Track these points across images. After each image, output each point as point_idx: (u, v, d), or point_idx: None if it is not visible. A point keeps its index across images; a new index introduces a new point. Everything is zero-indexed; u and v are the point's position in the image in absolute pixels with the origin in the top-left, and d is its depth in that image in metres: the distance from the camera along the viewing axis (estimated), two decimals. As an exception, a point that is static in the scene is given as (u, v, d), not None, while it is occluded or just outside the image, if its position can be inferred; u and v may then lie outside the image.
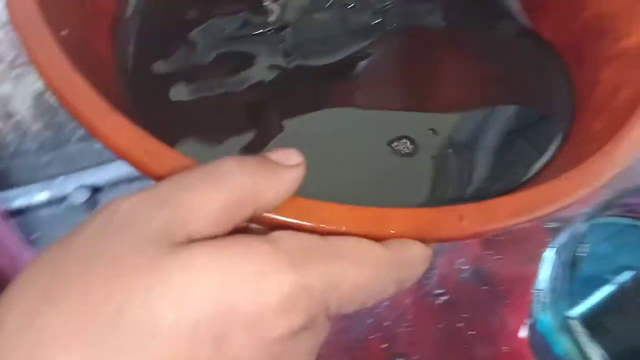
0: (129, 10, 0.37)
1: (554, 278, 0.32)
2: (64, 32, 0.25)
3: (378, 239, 0.19)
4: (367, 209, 0.20)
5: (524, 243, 0.45)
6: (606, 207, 0.34)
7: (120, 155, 0.20)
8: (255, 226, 0.20)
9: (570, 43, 0.39)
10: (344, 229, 0.19)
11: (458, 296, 0.44)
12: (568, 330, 0.29)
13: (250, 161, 0.18)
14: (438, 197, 0.30)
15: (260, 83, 0.35)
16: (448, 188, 0.31)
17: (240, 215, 0.18)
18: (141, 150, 0.20)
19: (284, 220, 0.19)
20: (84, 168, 0.52)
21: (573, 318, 0.35)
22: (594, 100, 0.35)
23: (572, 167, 0.24)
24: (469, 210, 0.21)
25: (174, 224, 0.16)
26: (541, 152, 0.33)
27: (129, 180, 0.52)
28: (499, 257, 0.46)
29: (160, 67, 0.35)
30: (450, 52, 0.40)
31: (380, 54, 0.37)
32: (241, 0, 0.37)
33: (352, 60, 0.37)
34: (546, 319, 0.31)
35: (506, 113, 0.35)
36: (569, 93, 0.37)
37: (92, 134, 0.21)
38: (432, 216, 0.21)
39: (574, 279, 0.33)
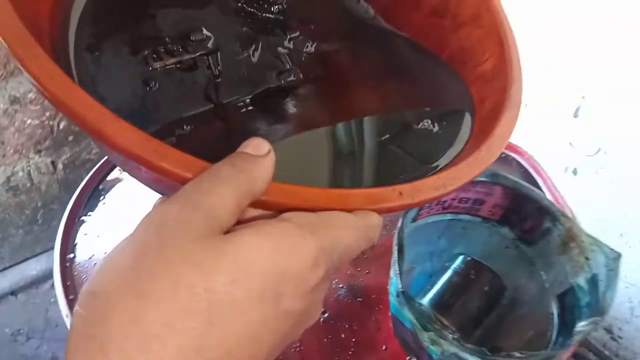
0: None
1: (396, 273, 0.39)
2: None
3: (346, 210, 0.26)
4: (336, 190, 0.26)
5: (385, 257, 0.53)
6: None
7: (129, 155, 0.22)
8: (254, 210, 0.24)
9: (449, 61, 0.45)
10: (321, 204, 0.25)
11: (338, 312, 0.50)
12: (409, 306, 0.36)
13: (238, 161, 0.23)
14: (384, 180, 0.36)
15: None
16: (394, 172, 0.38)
17: (245, 204, 0.23)
18: (150, 150, 0.23)
19: (280, 202, 0.25)
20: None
21: (421, 304, 0.42)
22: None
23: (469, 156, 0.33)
24: (405, 188, 0.28)
25: (211, 221, 0.20)
26: (455, 144, 0.39)
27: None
28: (367, 271, 0.53)
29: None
30: (359, 78, 0.45)
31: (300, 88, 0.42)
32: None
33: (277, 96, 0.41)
34: (394, 302, 0.38)
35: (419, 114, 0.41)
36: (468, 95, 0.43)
37: (98, 138, 0.23)
38: (381, 193, 0.28)
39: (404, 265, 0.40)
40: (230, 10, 0.43)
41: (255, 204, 0.24)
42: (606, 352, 1.16)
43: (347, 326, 0.49)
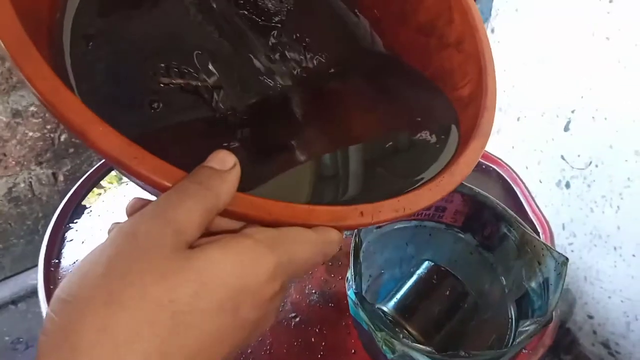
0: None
1: (352, 274, 0.41)
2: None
3: (307, 225, 0.27)
4: (299, 205, 0.28)
5: (358, 263, 0.54)
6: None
7: (110, 159, 0.24)
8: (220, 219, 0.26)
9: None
10: (284, 219, 0.27)
11: (309, 316, 0.52)
12: (362, 306, 0.37)
13: (204, 178, 0.24)
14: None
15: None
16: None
17: (211, 218, 0.24)
18: (130, 156, 0.24)
19: (246, 213, 0.26)
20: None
21: (383, 309, 0.43)
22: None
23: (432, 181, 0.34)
24: (366, 208, 0.30)
25: (179, 235, 0.22)
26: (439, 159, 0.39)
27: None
28: (340, 277, 0.54)
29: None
30: (353, 101, 0.45)
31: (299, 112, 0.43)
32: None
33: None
34: (351, 304, 0.40)
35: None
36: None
37: (83, 140, 0.24)
38: (343, 212, 0.29)
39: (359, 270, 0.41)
40: (232, 13, 0.44)
41: (222, 214, 0.25)
42: (602, 367, 1.15)
43: (317, 330, 0.51)
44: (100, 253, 0.22)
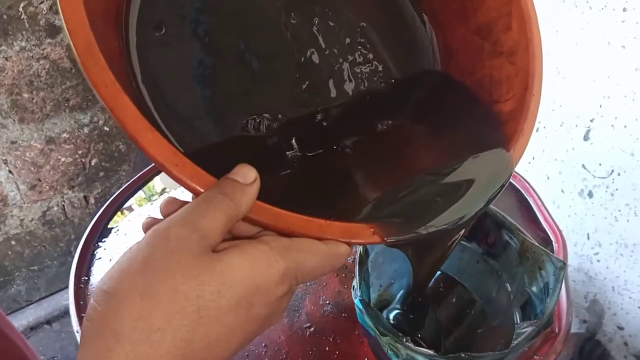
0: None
1: (357, 282, 0.42)
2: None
3: (320, 238, 0.30)
4: (315, 220, 0.30)
5: (370, 274, 0.56)
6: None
7: (156, 163, 0.27)
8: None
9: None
10: (299, 230, 0.30)
11: (323, 326, 0.53)
12: (367, 312, 0.39)
13: (229, 189, 0.28)
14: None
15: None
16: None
17: (232, 225, 0.28)
18: (173, 163, 0.27)
19: (265, 222, 0.29)
20: None
21: (391, 316, 0.45)
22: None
23: None
24: (377, 227, 0.32)
25: (204, 240, 0.26)
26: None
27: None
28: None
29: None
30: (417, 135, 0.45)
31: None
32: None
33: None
34: (358, 312, 0.41)
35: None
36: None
37: (135, 145, 0.27)
38: (355, 229, 0.32)
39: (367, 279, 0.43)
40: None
41: (243, 219, 0.29)
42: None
43: (331, 339, 0.52)
44: (137, 252, 0.25)
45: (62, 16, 0.27)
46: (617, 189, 1.05)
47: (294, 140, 0.41)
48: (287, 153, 0.41)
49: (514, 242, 0.43)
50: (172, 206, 0.30)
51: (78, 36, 0.26)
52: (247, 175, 0.29)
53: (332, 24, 0.44)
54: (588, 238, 1.14)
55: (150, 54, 0.36)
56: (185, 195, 0.29)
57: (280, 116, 0.41)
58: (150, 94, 0.36)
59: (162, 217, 0.30)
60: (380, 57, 0.47)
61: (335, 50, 0.44)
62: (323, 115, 0.43)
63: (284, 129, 0.41)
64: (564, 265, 0.37)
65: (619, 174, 1.04)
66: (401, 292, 0.49)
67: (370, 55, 0.46)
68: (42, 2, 1.02)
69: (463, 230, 0.36)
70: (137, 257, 0.25)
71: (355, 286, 0.41)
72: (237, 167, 0.30)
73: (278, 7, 0.42)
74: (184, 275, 0.25)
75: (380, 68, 0.47)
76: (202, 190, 0.28)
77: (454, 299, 0.45)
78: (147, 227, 0.30)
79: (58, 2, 0.27)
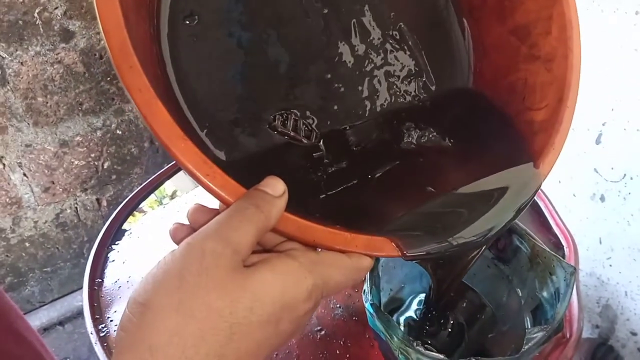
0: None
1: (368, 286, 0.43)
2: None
3: (344, 251, 0.31)
4: (341, 233, 0.31)
5: (380, 278, 0.56)
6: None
7: (188, 172, 0.27)
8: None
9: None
10: (325, 243, 0.30)
11: (334, 329, 0.54)
12: (378, 316, 0.39)
13: (260, 202, 0.28)
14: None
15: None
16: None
17: (261, 237, 0.28)
18: (204, 172, 0.27)
19: (292, 234, 0.30)
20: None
21: (402, 320, 0.45)
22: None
23: None
24: (399, 241, 0.32)
25: (237, 255, 0.26)
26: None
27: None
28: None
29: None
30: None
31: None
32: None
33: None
34: (369, 316, 0.42)
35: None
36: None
37: (167, 152, 0.27)
38: (379, 243, 0.32)
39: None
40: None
41: (272, 230, 0.30)
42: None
43: (342, 343, 0.52)
44: (172, 264, 0.26)
45: (97, 16, 0.26)
46: (629, 193, 1.04)
47: (321, 145, 0.41)
48: (315, 159, 0.41)
49: (525, 247, 0.43)
50: (199, 214, 0.30)
51: (113, 38, 0.26)
52: (276, 187, 0.30)
53: (368, 20, 0.43)
54: (600, 242, 1.13)
55: (181, 41, 0.36)
56: (207, 199, 0.30)
57: (308, 113, 0.41)
58: (178, 79, 0.36)
59: (187, 223, 0.31)
60: (419, 70, 0.46)
61: (371, 55, 0.43)
62: (351, 126, 0.42)
63: (312, 131, 0.41)
64: (574, 270, 0.37)
65: (631, 178, 1.03)
66: (411, 297, 0.50)
67: (407, 67, 0.45)
68: (56, 8, 1.04)
69: (484, 247, 0.36)
70: (172, 270, 0.26)
71: (366, 290, 0.41)
72: (267, 179, 0.30)
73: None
74: (218, 292, 0.25)
75: (418, 83, 0.46)
76: (232, 200, 0.28)
77: (465, 304, 0.45)
78: (174, 234, 0.31)
79: (94, 3, 0.26)
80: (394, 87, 0.45)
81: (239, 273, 0.26)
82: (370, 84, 0.44)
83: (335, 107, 0.42)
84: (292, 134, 0.40)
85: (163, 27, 0.36)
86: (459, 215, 0.36)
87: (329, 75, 0.42)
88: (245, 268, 0.27)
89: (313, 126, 0.41)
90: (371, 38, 0.44)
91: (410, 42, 0.46)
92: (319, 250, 0.31)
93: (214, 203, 0.31)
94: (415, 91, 0.46)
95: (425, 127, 0.45)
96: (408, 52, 0.46)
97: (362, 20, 0.43)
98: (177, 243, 0.30)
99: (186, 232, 0.30)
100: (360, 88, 0.43)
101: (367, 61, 0.44)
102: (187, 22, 0.37)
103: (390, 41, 0.45)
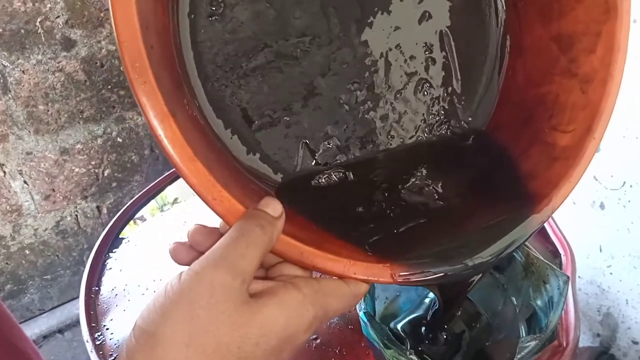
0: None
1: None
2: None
3: (343, 277, 0.32)
4: (340, 260, 0.31)
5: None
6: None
7: (195, 192, 0.28)
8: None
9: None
10: (324, 268, 0.31)
11: (329, 338, 0.53)
12: (371, 325, 0.39)
13: (263, 222, 0.29)
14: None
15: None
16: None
17: (264, 258, 0.29)
18: (211, 196, 0.28)
19: (290, 257, 0.30)
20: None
21: (397, 329, 0.45)
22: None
23: None
24: (397, 269, 0.33)
25: (245, 284, 0.27)
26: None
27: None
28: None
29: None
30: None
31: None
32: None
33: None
34: (363, 324, 0.42)
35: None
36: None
37: (176, 171, 0.27)
38: (376, 269, 0.32)
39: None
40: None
41: (274, 252, 0.31)
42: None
43: (337, 351, 0.52)
44: (180, 295, 0.26)
45: (113, 25, 0.25)
46: (629, 201, 1.04)
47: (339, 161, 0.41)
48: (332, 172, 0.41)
49: (519, 255, 0.43)
50: (200, 236, 0.31)
51: (128, 49, 0.25)
52: (276, 208, 0.30)
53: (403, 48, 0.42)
54: (600, 250, 1.12)
55: (202, 29, 0.35)
56: (203, 212, 0.30)
57: (330, 133, 0.41)
58: (197, 62, 0.36)
59: (186, 240, 0.31)
60: (454, 101, 0.44)
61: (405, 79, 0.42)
62: (376, 151, 0.42)
63: (331, 148, 0.41)
64: (567, 279, 0.37)
65: (631, 186, 1.03)
66: (407, 305, 0.49)
67: (443, 96, 0.43)
68: (58, 17, 1.05)
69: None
70: (182, 302, 0.26)
71: (361, 310, 0.41)
72: (265, 199, 0.31)
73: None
74: (227, 327, 0.26)
75: (453, 114, 0.43)
76: (235, 222, 0.29)
77: (460, 313, 0.45)
78: (175, 254, 0.31)
79: (110, 10, 0.25)
80: (431, 125, 0.44)
81: (247, 307, 0.27)
82: (405, 119, 0.43)
83: (361, 134, 0.42)
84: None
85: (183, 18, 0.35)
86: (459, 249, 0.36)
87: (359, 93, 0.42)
88: (252, 300, 0.28)
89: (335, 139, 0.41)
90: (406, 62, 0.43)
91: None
92: (320, 275, 0.32)
93: (213, 218, 0.31)
94: (452, 126, 0.44)
95: (450, 167, 0.43)
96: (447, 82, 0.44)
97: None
98: (178, 262, 0.31)
99: (187, 252, 0.31)
100: (392, 121, 0.43)
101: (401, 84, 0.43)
102: (212, 8, 0.36)
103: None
